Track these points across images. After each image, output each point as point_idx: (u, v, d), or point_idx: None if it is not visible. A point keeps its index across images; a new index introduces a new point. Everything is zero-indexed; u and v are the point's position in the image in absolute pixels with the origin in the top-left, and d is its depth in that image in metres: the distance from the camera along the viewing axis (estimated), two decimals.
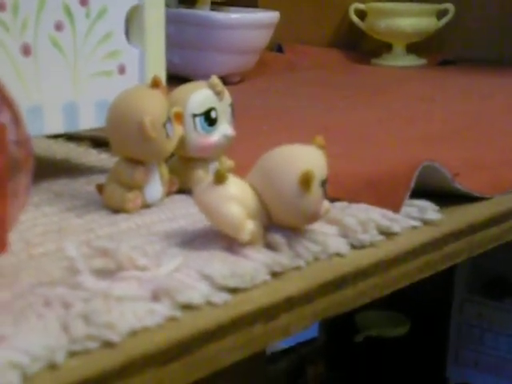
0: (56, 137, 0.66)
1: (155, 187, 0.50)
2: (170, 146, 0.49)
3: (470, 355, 1.26)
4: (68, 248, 0.38)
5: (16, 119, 0.37)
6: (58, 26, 0.50)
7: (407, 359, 1.32)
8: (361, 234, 0.46)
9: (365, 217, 0.47)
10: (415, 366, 1.31)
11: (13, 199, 0.35)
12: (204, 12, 1.03)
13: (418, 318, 1.32)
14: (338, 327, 1.35)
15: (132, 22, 0.55)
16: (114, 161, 0.58)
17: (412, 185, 0.49)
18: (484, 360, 1.25)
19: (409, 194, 0.49)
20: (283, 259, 0.42)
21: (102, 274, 0.38)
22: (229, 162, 0.51)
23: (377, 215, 0.47)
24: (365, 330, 1.31)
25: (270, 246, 0.43)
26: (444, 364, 1.29)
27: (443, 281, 1.24)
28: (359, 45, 1.36)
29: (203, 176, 0.51)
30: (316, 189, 0.42)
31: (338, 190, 0.50)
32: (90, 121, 0.53)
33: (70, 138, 0.67)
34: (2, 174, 0.32)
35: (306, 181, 0.41)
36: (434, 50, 1.32)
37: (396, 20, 1.25)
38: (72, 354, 0.33)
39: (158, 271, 0.39)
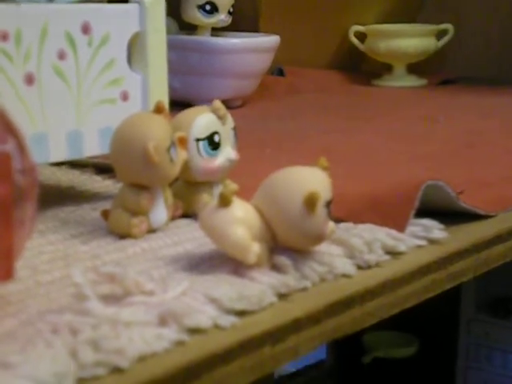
0: (59, 164, 0.67)
1: (160, 212, 0.50)
2: (175, 170, 0.49)
3: (479, 375, 1.26)
4: (75, 274, 0.38)
5: (21, 147, 0.37)
6: (61, 55, 0.51)
7: (416, 380, 1.31)
8: (367, 255, 0.46)
9: (370, 237, 0.47)
10: None
11: (19, 227, 0.35)
12: (204, 38, 1.04)
13: (426, 338, 1.31)
14: (346, 349, 1.34)
15: (134, 49, 0.55)
16: (118, 187, 0.59)
17: (416, 204, 0.50)
18: (492, 380, 1.24)
19: (413, 213, 0.49)
20: (290, 281, 0.42)
21: (109, 299, 0.39)
22: (233, 185, 0.51)
23: (382, 235, 0.47)
24: (373, 351, 1.30)
25: (276, 268, 0.43)
26: None
27: (450, 300, 1.24)
28: (359, 66, 1.37)
29: (207, 200, 0.51)
30: (321, 210, 0.42)
31: (342, 210, 0.50)
32: (94, 148, 0.54)
33: (74, 165, 0.67)
34: (8, 202, 0.32)
35: (311, 202, 0.41)
36: (434, 70, 1.33)
37: (396, 41, 1.26)
38: (81, 381, 0.33)
39: (164, 295, 0.39)
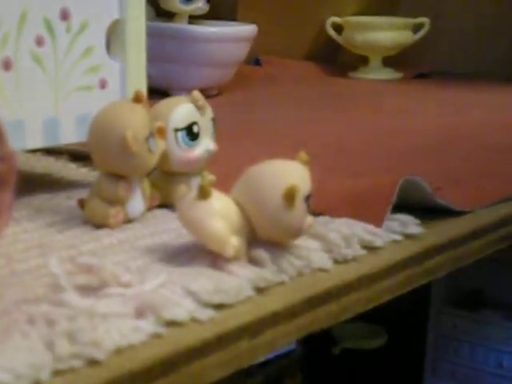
0: (34, 151, 0.66)
1: (137, 202, 0.49)
2: (153, 160, 0.49)
3: (447, 367, 1.27)
4: (52, 264, 0.38)
5: (0, 134, 0.37)
6: (39, 41, 0.50)
7: (385, 371, 1.32)
8: (344, 249, 0.46)
9: (348, 231, 0.47)
10: (393, 378, 1.31)
11: None
12: (182, 25, 1.03)
13: (395, 330, 1.32)
14: (316, 340, 1.35)
15: (113, 37, 0.55)
16: (93, 175, 0.58)
17: (394, 199, 0.50)
18: (461, 372, 1.25)
19: (390, 208, 0.50)
20: (267, 274, 0.42)
21: (86, 290, 0.38)
22: (210, 177, 0.51)
23: (359, 230, 0.47)
24: (342, 342, 1.31)
25: (253, 262, 0.43)
26: (421, 376, 1.29)
27: (420, 293, 1.25)
28: (336, 58, 1.37)
29: (185, 191, 0.51)
30: (300, 204, 0.42)
31: (319, 204, 0.50)
32: (70, 136, 0.53)
33: (49, 151, 0.66)
34: None
35: (290, 196, 0.41)
36: (410, 63, 1.33)
37: (372, 34, 1.26)
38: (57, 373, 0.32)
39: (142, 287, 0.39)
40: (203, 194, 0.42)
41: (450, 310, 1.26)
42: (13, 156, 0.37)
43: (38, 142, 0.51)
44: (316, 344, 1.35)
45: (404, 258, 0.47)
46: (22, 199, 0.53)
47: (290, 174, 0.42)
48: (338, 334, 1.31)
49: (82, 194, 0.52)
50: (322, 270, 0.44)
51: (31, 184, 0.58)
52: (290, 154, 0.45)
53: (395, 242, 0.49)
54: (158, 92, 0.82)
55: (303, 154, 0.44)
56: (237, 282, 0.40)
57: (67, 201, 0.54)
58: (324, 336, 1.29)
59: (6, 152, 0.37)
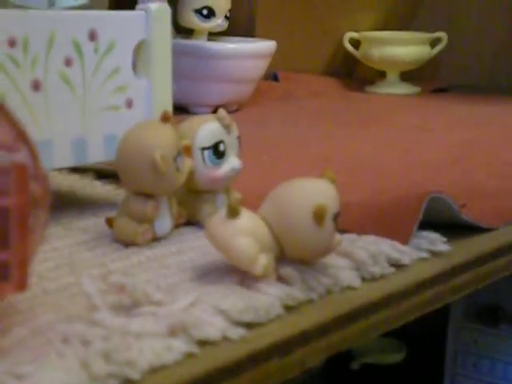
0: (59, 168, 0.66)
1: (165, 220, 0.50)
2: (181, 179, 0.49)
3: (467, 382, 1.26)
4: (84, 283, 0.39)
5: (33, 155, 0.37)
6: (68, 62, 0.51)
7: None
8: (372, 267, 0.46)
9: (375, 249, 0.47)
10: None
11: (30, 235, 0.35)
12: (201, 42, 1.04)
13: (415, 345, 1.32)
14: (335, 354, 1.35)
15: (139, 56, 0.55)
16: (119, 193, 0.59)
17: (420, 217, 0.50)
18: None
19: (417, 225, 0.50)
20: (296, 293, 0.42)
21: (118, 309, 0.39)
22: (238, 195, 0.51)
23: (387, 247, 0.48)
24: (361, 357, 1.30)
25: (282, 280, 0.43)
26: None
27: (439, 308, 1.25)
28: (353, 73, 1.37)
29: (211, 209, 0.51)
30: (329, 223, 0.42)
31: (346, 221, 0.50)
32: (98, 155, 0.53)
33: (74, 169, 0.67)
34: (25, 213, 0.32)
35: (319, 215, 0.41)
36: (427, 77, 1.34)
37: (390, 48, 1.26)
38: None
39: (173, 306, 0.39)
40: (232, 212, 0.42)
41: (470, 325, 1.25)
42: (46, 176, 0.37)
43: (67, 162, 0.52)
44: (335, 359, 1.35)
45: (431, 275, 0.47)
46: (50, 217, 0.53)
47: (318, 192, 0.43)
48: (358, 349, 1.31)
49: (109, 211, 0.53)
50: (350, 287, 0.44)
51: (58, 202, 0.58)
52: (312, 171, 0.45)
53: (422, 259, 0.49)
54: (177, 108, 0.83)
55: (330, 172, 0.44)
56: (266, 301, 0.41)
57: (94, 218, 0.54)
58: (343, 351, 1.29)
59: (40, 172, 0.37)
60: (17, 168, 0.33)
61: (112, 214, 0.51)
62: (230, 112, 1.00)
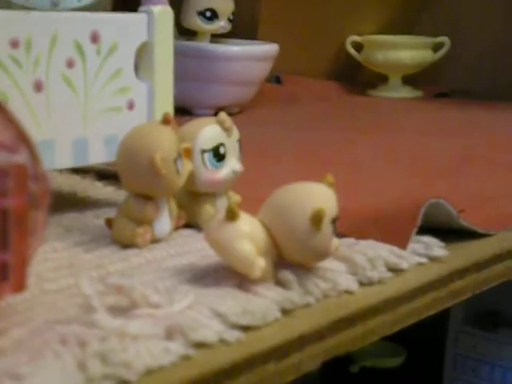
0: (60, 169, 0.67)
1: (164, 222, 0.50)
2: (180, 181, 0.49)
3: None
4: (83, 285, 0.39)
5: (33, 155, 0.37)
6: (70, 63, 0.51)
7: None
8: (369, 271, 0.46)
9: (373, 254, 0.47)
10: None
11: (30, 236, 0.35)
12: (204, 44, 1.04)
13: (414, 349, 1.32)
14: (334, 358, 1.35)
15: (141, 58, 0.55)
16: (119, 194, 0.59)
17: (419, 222, 0.50)
18: None
19: (416, 230, 0.50)
20: (294, 296, 0.42)
21: (116, 311, 0.39)
22: (236, 197, 0.51)
23: (385, 252, 0.48)
24: (360, 361, 1.30)
25: (280, 283, 0.43)
26: None
27: (438, 312, 1.25)
28: (356, 76, 1.37)
29: (211, 211, 0.52)
30: (327, 227, 0.42)
31: (344, 225, 0.50)
32: (99, 155, 0.54)
33: (75, 170, 0.67)
34: (24, 214, 0.33)
35: (317, 219, 0.42)
36: (429, 82, 1.34)
37: (392, 52, 1.26)
38: None
39: (170, 308, 0.39)
40: (231, 215, 0.43)
41: (469, 330, 1.25)
42: (47, 176, 0.37)
43: (67, 162, 0.52)
44: (334, 362, 1.35)
45: (429, 280, 0.47)
46: (50, 218, 0.54)
47: (316, 196, 0.43)
48: (357, 352, 1.31)
49: (109, 212, 0.53)
50: (347, 292, 0.44)
51: (59, 202, 0.58)
52: (313, 174, 0.45)
53: (420, 264, 0.49)
54: (180, 110, 0.83)
55: (330, 177, 0.44)
56: (264, 304, 0.41)
57: (95, 220, 0.54)
58: (342, 354, 1.29)
59: (40, 172, 0.37)
60: (16, 169, 0.33)
61: (112, 215, 0.51)
62: (232, 114, 1.01)
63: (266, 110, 1.10)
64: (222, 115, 0.52)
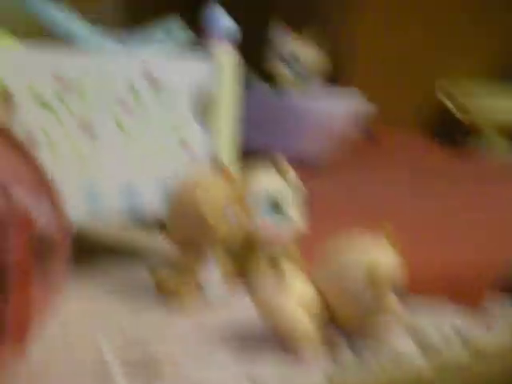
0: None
1: (212, 274, 0.47)
2: (232, 233, 0.46)
3: None
4: (105, 353, 0.36)
5: (55, 204, 0.35)
6: (124, 106, 0.49)
7: None
8: (433, 340, 0.41)
9: (440, 320, 0.42)
10: None
11: (45, 283, 0.33)
12: (295, 100, 1.00)
13: None
14: None
15: (202, 103, 0.53)
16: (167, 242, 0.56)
17: (498, 284, 0.45)
18: None
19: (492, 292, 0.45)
20: (346, 368, 0.38)
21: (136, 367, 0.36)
22: (294, 256, 0.48)
23: (453, 318, 0.43)
24: None
25: (328, 344, 0.39)
26: None
27: None
28: (446, 125, 1.31)
29: (266, 267, 0.48)
30: (382, 282, 0.38)
31: (411, 282, 0.46)
32: (149, 198, 0.51)
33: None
34: (26, 270, 0.30)
35: (371, 275, 0.38)
36: None
37: (487, 100, 1.18)
38: None
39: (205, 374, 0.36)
40: (282, 277, 0.39)
41: None
42: (68, 225, 0.35)
43: (116, 206, 0.50)
44: None
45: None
46: (89, 263, 0.52)
47: (374, 254, 0.39)
48: None
49: (155, 262, 0.51)
50: (406, 356, 0.40)
51: (102, 248, 0.56)
52: (377, 229, 0.41)
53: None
54: (253, 155, 0.80)
55: (387, 225, 0.40)
56: (311, 375, 0.37)
57: (136, 268, 0.52)
58: None
59: (62, 221, 0.35)
60: (18, 223, 0.30)
61: (158, 264, 0.48)
62: (317, 167, 0.97)
63: (356, 166, 1.05)
64: (284, 166, 0.49)
